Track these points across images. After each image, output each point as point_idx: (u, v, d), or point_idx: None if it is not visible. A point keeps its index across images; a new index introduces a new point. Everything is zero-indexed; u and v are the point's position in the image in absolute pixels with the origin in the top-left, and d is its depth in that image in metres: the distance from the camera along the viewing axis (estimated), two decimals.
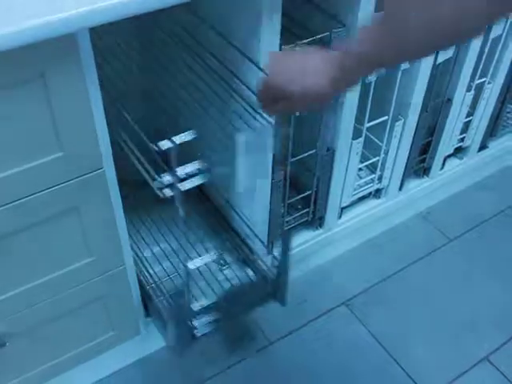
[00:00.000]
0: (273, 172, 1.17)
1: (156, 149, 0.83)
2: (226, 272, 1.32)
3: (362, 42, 0.70)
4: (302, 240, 1.40)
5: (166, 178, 0.87)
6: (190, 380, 1.28)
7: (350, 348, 1.35)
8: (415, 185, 1.57)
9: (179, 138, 0.84)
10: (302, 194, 1.33)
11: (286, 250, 1.09)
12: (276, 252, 1.24)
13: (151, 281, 1.23)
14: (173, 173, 0.87)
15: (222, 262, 1.35)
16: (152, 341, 1.29)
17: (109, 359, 1.23)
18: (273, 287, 1.16)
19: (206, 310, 1.13)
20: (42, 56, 0.74)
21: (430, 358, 1.35)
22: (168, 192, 0.88)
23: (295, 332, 1.37)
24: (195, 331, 1.08)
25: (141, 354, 1.31)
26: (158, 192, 0.88)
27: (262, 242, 1.24)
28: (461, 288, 1.50)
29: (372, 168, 1.46)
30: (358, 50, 0.70)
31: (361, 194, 1.46)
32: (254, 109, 0.95)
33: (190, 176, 0.88)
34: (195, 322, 1.09)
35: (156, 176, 0.88)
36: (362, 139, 1.30)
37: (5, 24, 0.68)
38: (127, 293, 1.12)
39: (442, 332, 1.40)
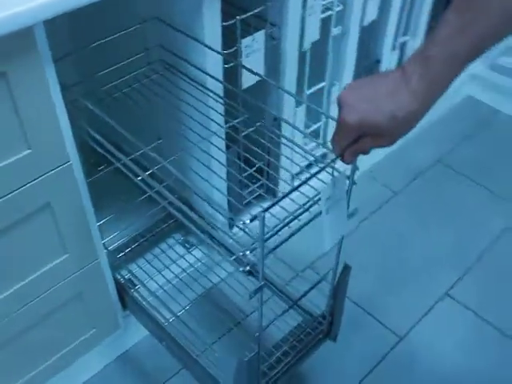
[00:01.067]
0: (227, 148, 1.20)
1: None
2: (194, 252, 1.35)
3: (442, 40, 0.64)
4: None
5: None
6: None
7: None
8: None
9: None
10: (255, 168, 1.36)
11: (342, 286, 1.04)
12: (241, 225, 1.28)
13: (124, 273, 1.25)
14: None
15: (187, 245, 1.37)
16: (132, 333, 1.31)
17: (90, 360, 1.23)
18: (328, 327, 1.12)
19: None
20: (0, 54, 0.75)
21: (396, 303, 1.43)
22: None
23: None
24: None
25: (122, 349, 1.32)
26: None
27: (224, 215, 1.27)
28: (411, 235, 1.59)
29: (315, 136, 1.52)
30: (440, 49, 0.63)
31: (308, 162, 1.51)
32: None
33: None
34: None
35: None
36: (304, 106, 1.35)
37: None
38: (104, 287, 1.13)
39: (402, 278, 1.49)
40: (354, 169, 0.85)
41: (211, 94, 1.08)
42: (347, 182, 0.84)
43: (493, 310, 1.42)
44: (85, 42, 1.04)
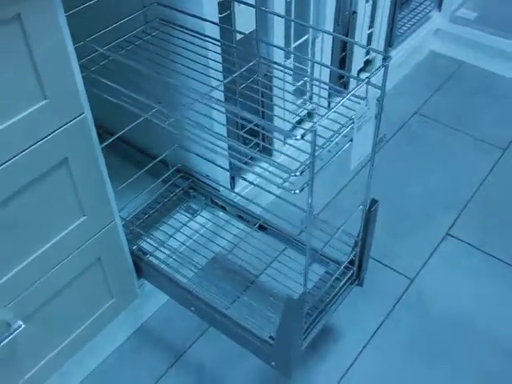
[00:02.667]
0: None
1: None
2: (197, 219, 1.33)
3: None
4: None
5: None
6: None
7: None
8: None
9: None
10: (251, 124, 1.35)
11: (371, 224, 1.04)
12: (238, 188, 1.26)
13: (136, 242, 1.22)
14: None
15: (190, 211, 1.35)
16: (148, 304, 1.28)
17: (110, 333, 1.20)
18: (357, 272, 1.12)
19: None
20: None
21: (401, 248, 1.45)
22: None
23: None
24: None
25: (140, 321, 1.28)
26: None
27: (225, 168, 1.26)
28: (404, 183, 1.61)
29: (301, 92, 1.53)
30: None
31: (298, 119, 1.52)
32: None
33: None
34: None
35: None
36: (291, 59, 1.35)
37: None
38: (121, 252, 1.09)
39: (402, 223, 1.51)
40: (384, 90, 0.85)
41: (209, 45, 1.07)
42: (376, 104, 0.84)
43: (493, 242, 1.45)
44: (78, 2, 1.01)
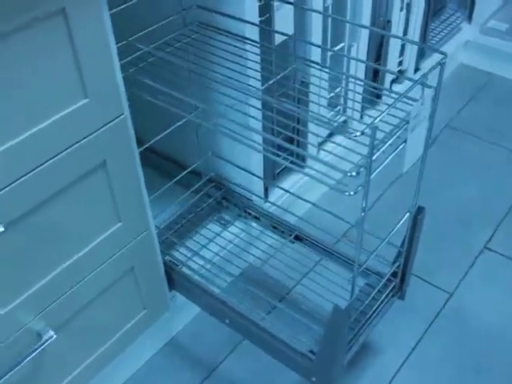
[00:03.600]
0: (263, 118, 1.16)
1: None
2: (230, 229, 1.29)
3: None
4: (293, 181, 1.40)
5: None
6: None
7: None
8: (373, 113, 1.62)
9: None
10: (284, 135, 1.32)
11: (416, 233, 1.01)
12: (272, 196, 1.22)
13: (168, 252, 1.18)
14: None
15: (223, 221, 1.31)
16: (178, 317, 1.24)
17: (138, 347, 1.16)
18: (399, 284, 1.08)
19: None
20: None
21: (437, 261, 1.40)
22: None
23: None
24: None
25: (170, 335, 1.24)
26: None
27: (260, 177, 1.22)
28: (439, 196, 1.57)
29: (333, 104, 1.49)
30: None
31: (328, 131, 1.48)
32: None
33: None
34: None
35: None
36: (327, 65, 1.32)
37: None
38: (154, 261, 1.06)
39: (438, 237, 1.46)
40: (439, 90, 0.81)
41: (249, 48, 1.04)
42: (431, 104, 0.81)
43: None
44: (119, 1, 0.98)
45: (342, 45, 1.37)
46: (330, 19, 1.27)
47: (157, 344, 1.22)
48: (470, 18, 2.00)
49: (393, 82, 1.67)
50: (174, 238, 1.21)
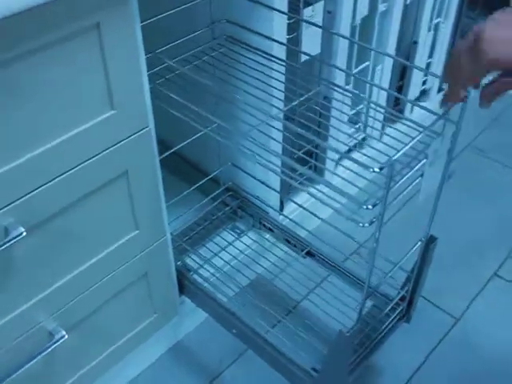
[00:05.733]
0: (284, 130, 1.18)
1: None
2: (243, 239, 1.31)
3: None
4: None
5: None
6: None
7: None
8: (392, 131, 1.63)
9: None
10: (305, 149, 1.34)
11: (426, 261, 1.01)
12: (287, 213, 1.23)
13: (180, 258, 1.20)
14: None
15: (237, 230, 1.33)
16: (185, 323, 1.26)
17: (144, 349, 1.18)
18: (406, 308, 1.09)
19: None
20: (97, 3, 0.71)
21: (447, 284, 1.40)
22: None
23: None
24: None
25: (175, 339, 1.26)
26: None
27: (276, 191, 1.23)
28: (453, 218, 1.57)
29: (353, 121, 1.50)
30: None
31: (348, 147, 1.49)
32: None
33: None
34: None
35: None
36: (351, 85, 1.33)
37: None
38: (168, 268, 1.08)
39: (449, 260, 1.46)
40: (459, 128, 0.82)
41: (275, 65, 1.05)
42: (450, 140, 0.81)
43: None
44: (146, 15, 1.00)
45: (367, 63, 1.37)
46: (357, 33, 1.28)
47: (163, 347, 1.25)
48: None
49: (415, 100, 1.67)
50: (188, 246, 1.23)
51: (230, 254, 1.26)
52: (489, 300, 1.38)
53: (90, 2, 0.70)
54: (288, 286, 1.22)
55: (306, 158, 0.99)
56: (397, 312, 1.07)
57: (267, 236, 1.31)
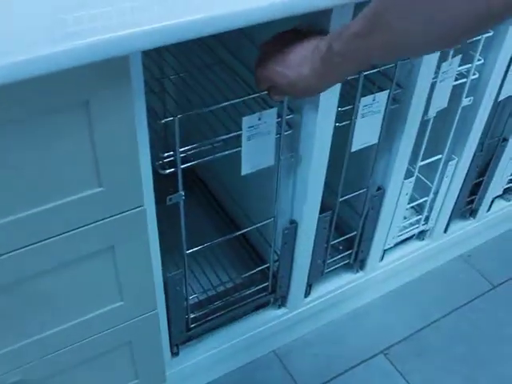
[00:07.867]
0: (320, 212, 1.08)
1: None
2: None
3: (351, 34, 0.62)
4: (342, 283, 1.29)
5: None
6: None
7: None
8: (460, 227, 1.47)
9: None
10: (347, 235, 1.23)
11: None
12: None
13: None
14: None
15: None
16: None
17: None
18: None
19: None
20: (87, 81, 0.65)
21: None
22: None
23: None
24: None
25: None
26: (159, 169, 0.83)
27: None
28: (504, 340, 1.38)
29: (418, 209, 1.36)
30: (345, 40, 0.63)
31: (405, 236, 1.36)
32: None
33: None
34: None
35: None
36: (413, 179, 1.20)
37: (48, 43, 0.58)
38: (156, 337, 1.02)
39: None
40: None
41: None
42: None
43: None
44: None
45: (438, 156, 1.23)
46: (429, 128, 1.15)
47: None
48: None
49: (495, 198, 1.49)
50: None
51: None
52: None
53: (78, 80, 0.64)
54: None
55: None
56: None
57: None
